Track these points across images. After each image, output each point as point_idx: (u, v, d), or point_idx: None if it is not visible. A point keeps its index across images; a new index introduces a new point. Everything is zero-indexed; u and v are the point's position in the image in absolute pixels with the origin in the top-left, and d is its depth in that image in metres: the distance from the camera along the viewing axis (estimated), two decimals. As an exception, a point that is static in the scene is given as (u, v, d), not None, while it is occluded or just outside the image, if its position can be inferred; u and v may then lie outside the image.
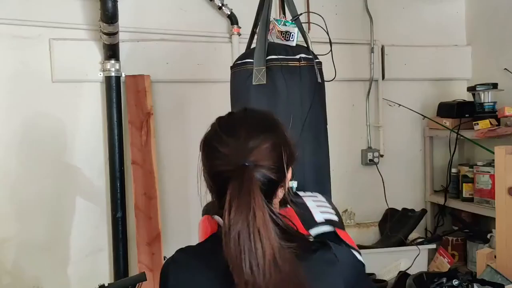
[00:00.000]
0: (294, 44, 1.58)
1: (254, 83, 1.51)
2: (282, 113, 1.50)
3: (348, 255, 0.99)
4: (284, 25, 1.59)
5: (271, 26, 1.59)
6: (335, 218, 1.30)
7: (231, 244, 0.82)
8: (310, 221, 1.27)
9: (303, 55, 1.54)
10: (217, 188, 0.93)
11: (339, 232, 1.24)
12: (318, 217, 1.28)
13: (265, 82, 1.50)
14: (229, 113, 1.02)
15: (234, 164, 0.89)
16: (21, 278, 2.31)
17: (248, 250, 0.81)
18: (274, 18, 1.62)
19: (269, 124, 0.95)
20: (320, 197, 1.38)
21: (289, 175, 0.97)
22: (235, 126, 0.94)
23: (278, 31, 1.59)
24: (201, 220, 1.13)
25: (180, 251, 1.00)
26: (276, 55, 1.52)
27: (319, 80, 1.58)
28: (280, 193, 0.97)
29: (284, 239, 0.88)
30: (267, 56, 1.53)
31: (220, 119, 0.98)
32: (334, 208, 1.38)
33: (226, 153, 0.90)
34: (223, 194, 0.88)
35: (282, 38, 1.59)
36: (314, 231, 1.26)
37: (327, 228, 1.26)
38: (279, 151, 0.92)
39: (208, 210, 1.15)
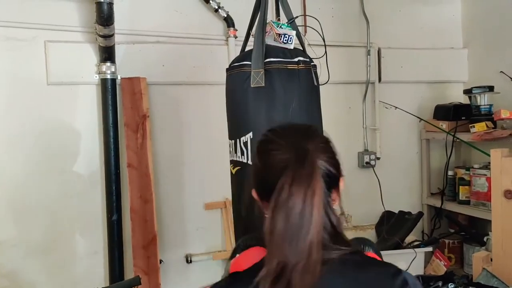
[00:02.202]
0: (292, 46, 1.56)
1: (252, 86, 1.49)
2: (279, 115, 1.49)
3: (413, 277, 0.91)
4: (281, 27, 1.58)
5: (268, 28, 1.59)
6: None
7: (278, 218, 0.78)
8: None
9: (301, 58, 1.53)
10: (273, 179, 0.83)
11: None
12: None
13: (263, 85, 1.49)
14: (278, 125, 0.99)
15: (294, 150, 0.86)
16: (17, 281, 2.30)
17: (296, 227, 0.78)
18: (271, 20, 1.61)
19: (315, 130, 0.97)
20: None
21: (341, 184, 0.95)
22: (291, 130, 0.94)
23: (275, 33, 1.58)
24: (244, 253, 1.03)
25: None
26: (274, 57, 1.51)
27: (315, 83, 1.58)
28: (335, 197, 0.94)
29: (329, 235, 0.86)
30: (265, 59, 1.52)
31: (271, 129, 0.97)
32: None
33: (283, 144, 0.88)
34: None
35: (280, 41, 1.58)
36: None
37: None
38: (333, 151, 0.92)
39: (247, 244, 1.05)
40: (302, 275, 0.77)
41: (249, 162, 1.53)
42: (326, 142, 0.94)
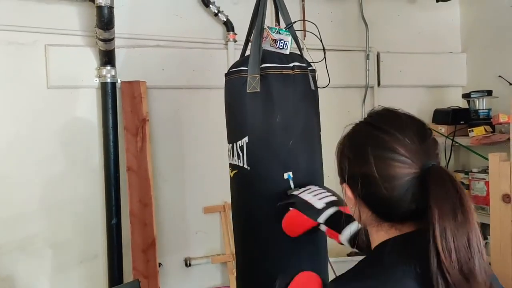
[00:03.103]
0: (287, 52, 1.58)
1: (248, 91, 1.51)
2: (276, 120, 1.50)
3: None
4: (278, 33, 1.59)
5: (265, 34, 1.60)
6: (334, 198, 1.35)
7: (461, 250, 0.74)
8: (313, 212, 1.34)
9: (296, 63, 1.54)
10: (394, 194, 0.79)
11: (343, 209, 1.30)
12: (318, 204, 1.35)
13: (258, 90, 1.50)
14: (381, 113, 0.90)
15: (419, 164, 0.79)
16: (16, 284, 2.30)
17: (477, 254, 0.75)
18: (268, 26, 1.62)
19: (429, 128, 0.87)
20: (313, 187, 1.43)
21: None
22: (402, 126, 0.83)
23: (271, 39, 1.59)
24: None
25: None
26: (270, 63, 1.53)
27: (313, 88, 1.59)
28: None
29: None
30: (261, 64, 1.53)
31: (375, 118, 0.88)
32: (329, 190, 1.43)
33: (405, 153, 0.79)
34: (406, 200, 0.79)
35: (276, 46, 1.59)
36: (322, 218, 1.32)
37: (332, 210, 1.32)
38: (439, 151, 0.86)
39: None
40: None
41: (245, 166, 1.54)
42: (437, 143, 0.86)
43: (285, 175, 1.48)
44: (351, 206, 0.89)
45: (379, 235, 0.86)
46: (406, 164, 0.79)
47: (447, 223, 0.74)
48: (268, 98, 1.50)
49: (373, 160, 0.80)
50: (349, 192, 0.87)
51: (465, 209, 0.76)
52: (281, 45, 1.57)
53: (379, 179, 0.80)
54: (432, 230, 0.74)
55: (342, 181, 0.89)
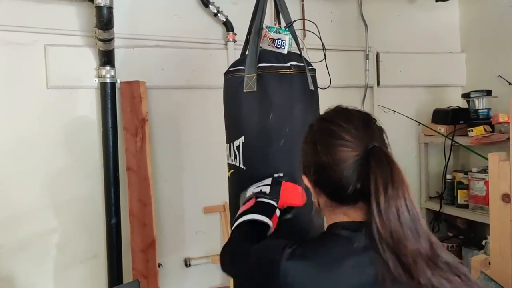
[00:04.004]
0: (285, 51, 1.57)
1: (244, 91, 1.51)
2: (273, 120, 1.50)
3: None
4: (276, 32, 1.59)
5: (263, 34, 1.60)
6: (265, 189, 1.36)
7: (391, 219, 0.84)
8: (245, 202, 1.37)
9: (293, 63, 1.54)
10: (342, 176, 0.90)
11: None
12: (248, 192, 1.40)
13: (255, 90, 1.51)
14: (333, 109, 1.02)
15: (363, 148, 0.90)
16: (15, 284, 2.29)
17: (411, 221, 0.85)
18: (266, 26, 1.62)
19: (373, 118, 1.00)
20: (266, 180, 1.41)
21: None
22: (348, 117, 0.96)
23: (269, 38, 1.59)
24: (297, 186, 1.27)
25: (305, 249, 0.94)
26: (266, 62, 1.53)
27: (311, 87, 1.58)
28: None
29: None
30: (258, 64, 1.53)
31: (328, 113, 1.00)
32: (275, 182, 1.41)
33: (349, 139, 0.91)
34: (352, 180, 0.89)
35: (274, 46, 1.59)
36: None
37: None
38: (387, 141, 0.97)
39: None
40: (427, 266, 0.84)
41: (241, 165, 1.55)
42: (383, 131, 0.98)
43: (276, 176, 1.48)
44: (312, 196, 1.01)
45: (332, 218, 0.97)
46: (351, 148, 0.90)
47: (380, 196, 0.85)
48: (263, 98, 1.50)
49: (323, 148, 0.92)
50: (306, 182, 0.99)
51: (396, 183, 0.86)
52: (279, 45, 1.57)
53: (328, 163, 0.91)
54: (369, 202, 0.86)
55: (302, 173, 1.01)
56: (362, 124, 0.93)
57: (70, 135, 2.40)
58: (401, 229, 0.84)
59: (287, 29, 1.60)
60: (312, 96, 1.59)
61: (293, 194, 1.32)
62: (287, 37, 1.57)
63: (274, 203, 1.30)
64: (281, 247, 0.92)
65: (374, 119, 0.98)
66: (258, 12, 1.60)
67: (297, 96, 1.53)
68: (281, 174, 1.47)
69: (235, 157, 1.57)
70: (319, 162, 0.93)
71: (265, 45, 1.59)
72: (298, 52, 1.62)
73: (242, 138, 1.54)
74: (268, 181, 1.38)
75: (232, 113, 1.61)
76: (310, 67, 1.61)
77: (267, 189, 1.34)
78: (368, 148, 0.89)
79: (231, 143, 1.59)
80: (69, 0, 2.32)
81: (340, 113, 0.98)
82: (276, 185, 1.33)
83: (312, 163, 0.96)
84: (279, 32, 1.58)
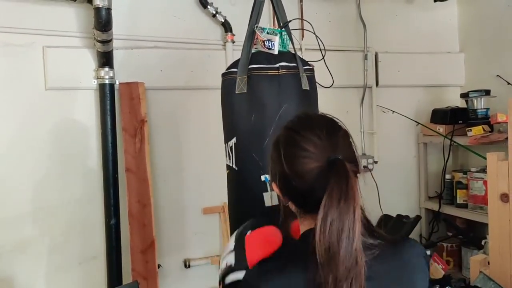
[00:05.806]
0: (275, 52, 1.57)
1: (236, 92, 1.53)
2: (262, 121, 1.51)
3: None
4: (267, 33, 1.59)
5: (256, 35, 1.61)
6: (230, 259, 1.24)
7: (333, 233, 0.84)
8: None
9: (283, 63, 1.54)
10: (305, 187, 0.91)
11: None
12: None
13: (245, 91, 1.52)
14: (298, 117, 1.02)
15: (325, 159, 0.89)
16: (14, 285, 2.29)
17: (346, 239, 0.85)
18: (260, 27, 1.62)
19: (339, 124, 0.99)
20: (231, 242, 1.26)
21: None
22: (312, 126, 0.95)
23: (260, 40, 1.60)
24: (263, 231, 1.12)
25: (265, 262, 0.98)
26: (256, 64, 1.54)
27: (305, 87, 1.57)
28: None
29: (368, 236, 0.94)
30: (249, 65, 1.54)
31: (293, 121, 1.00)
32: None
33: (312, 150, 0.91)
34: (314, 191, 0.89)
35: (264, 47, 1.60)
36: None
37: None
38: (353, 147, 0.96)
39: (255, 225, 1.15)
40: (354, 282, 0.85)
41: (234, 166, 1.57)
42: (348, 134, 0.96)
43: (262, 177, 1.49)
44: (284, 201, 1.01)
45: (304, 224, 0.97)
46: (312, 159, 0.90)
47: (331, 209, 0.85)
48: (251, 99, 1.52)
49: (286, 159, 0.93)
50: (276, 189, 1.00)
51: (349, 199, 0.86)
52: (269, 45, 1.58)
53: (290, 175, 0.92)
54: (318, 214, 0.85)
55: (271, 180, 1.02)
56: (326, 133, 0.92)
57: (69, 137, 2.40)
58: (337, 245, 0.84)
59: (281, 29, 1.61)
60: (307, 96, 1.59)
61: (262, 244, 1.10)
62: (276, 38, 1.57)
63: (242, 274, 1.12)
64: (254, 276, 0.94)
65: (339, 125, 0.97)
66: (253, 14, 1.61)
67: (287, 97, 1.53)
68: (267, 176, 1.46)
69: (229, 158, 1.60)
70: (282, 172, 0.93)
71: (258, 46, 1.60)
72: (298, 52, 1.63)
73: (234, 139, 1.56)
74: (232, 243, 1.24)
75: (227, 114, 1.63)
76: (306, 67, 1.61)
77: (232, 259, 1.22)
78: (329, 159, 0.89)
79: (227, 144, 1.62)
80: (68, 1, 2.32)
81: (303, 121, 0.99)
82: (240, 247, 1.17)
83: (278, 171, 0.96)
84: (269, 33, 1.58)
